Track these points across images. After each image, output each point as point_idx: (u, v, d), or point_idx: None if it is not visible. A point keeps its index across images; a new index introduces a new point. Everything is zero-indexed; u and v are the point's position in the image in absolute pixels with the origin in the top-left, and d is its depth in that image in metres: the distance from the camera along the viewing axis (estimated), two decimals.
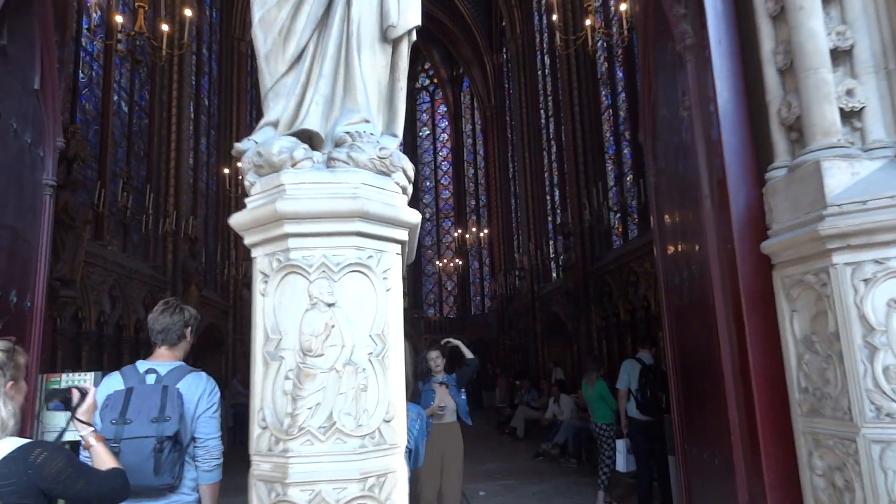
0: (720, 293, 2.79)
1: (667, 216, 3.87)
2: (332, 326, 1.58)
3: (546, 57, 20.28)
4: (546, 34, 20.15)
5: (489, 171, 27.99)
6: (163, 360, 2.27)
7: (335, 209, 1.64)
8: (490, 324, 25.51)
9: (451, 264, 26.46)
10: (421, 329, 27.95)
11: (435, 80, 34.08)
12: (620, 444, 6.37)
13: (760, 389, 2.44)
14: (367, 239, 1.67)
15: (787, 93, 2.42)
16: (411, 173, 1.80)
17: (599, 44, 15.44)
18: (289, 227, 1.64)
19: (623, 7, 7.51)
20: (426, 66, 34.24)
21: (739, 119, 2.66)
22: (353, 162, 1.66)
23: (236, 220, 1.73)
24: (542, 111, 20.78)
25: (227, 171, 11.94)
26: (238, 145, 1.76)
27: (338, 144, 1.70)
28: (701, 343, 3.25)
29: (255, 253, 1.72)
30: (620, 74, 14.18)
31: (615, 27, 7.95)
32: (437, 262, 27.84)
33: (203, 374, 2.28)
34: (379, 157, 1.67)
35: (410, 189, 1.82)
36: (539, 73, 21.03)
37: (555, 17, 7.52)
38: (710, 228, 2.85)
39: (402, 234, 1.75)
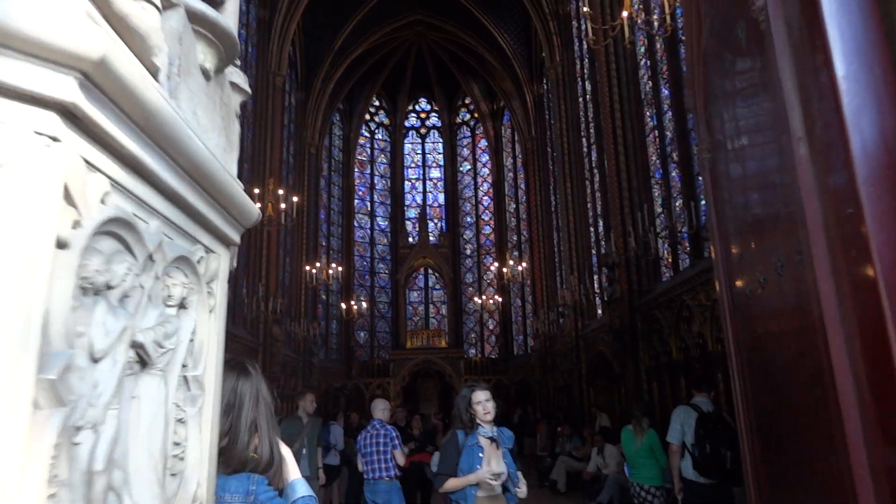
0: (832, 295, 1.63)
1: (728, 202, 2.72)
2: None
3: (587, 83, 19.36)
4: (587, 59, 19.26)
5: (531, 205, 26.96)
6: None
7: None
8: (533, 364, 24.09)
9: (492, 301, 25.23)
10: (461, 370, 26.64)
11: (475, 115, 33.53)
12: None
13: None
14: None
15: None
16: None
17: (643, 63, 14.42)
18: None
19: None
20: (466, 101, 33.75)
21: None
22: None
23: None
24: (583, 139, 19.78)
25: (257, 190, 11.26)
26: None
27: None
28: (793, 380, 2.07)
29: None
30: (666, 92, 13.05)
31: (656, 18, 6.91)
32: (478, 300, 26.64)
33: None
34: None
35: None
36: (580, 100, 20.13)
37: (586, 9, 6.51)
38: (809, 188, 1.70)
39: (49, 82, 0.63)
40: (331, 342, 29.04)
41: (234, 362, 1.36)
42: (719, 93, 2.68)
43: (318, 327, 25.73)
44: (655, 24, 6.55)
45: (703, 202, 11.36)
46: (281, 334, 19.28)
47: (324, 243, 28.82)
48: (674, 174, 12.66)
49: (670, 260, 12.84)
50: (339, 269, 25.55)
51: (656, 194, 13.62)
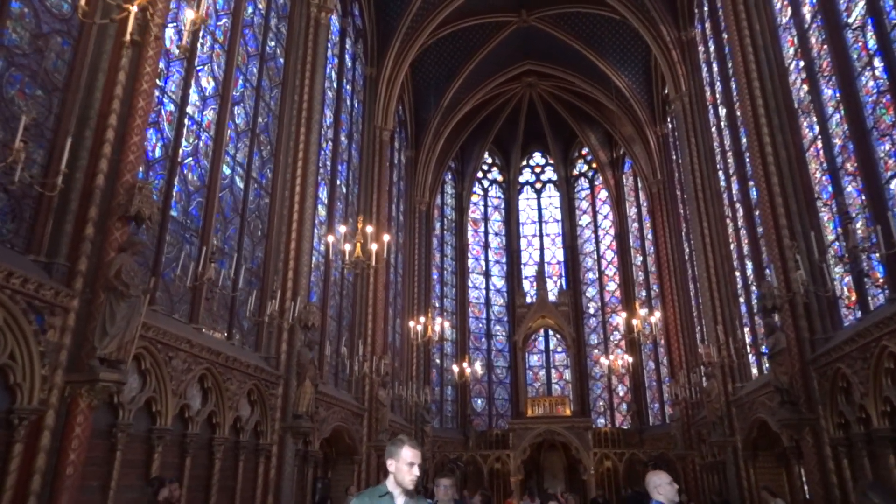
0: None
1: None
2: None
3: (721, 108, 17.00)
4: (718, 83, 16.98)
5: (660, 256, 24.21)
6: None
7: None
8: (673, 436, 20.78)
9: (621, 362, 22.41)
10: (589, 442, 23.64)
11: (593, 165, 31.59)
12: None
13: None
14: None
15: None
16: None
17: (794, 66, 12.04)
18: None
19: None
20: (583, 151, 31.93)
21: None
22: None
23: None
24: (720, 172, 17.25)
25: (343, 229, 10.06)
26: None
27: None
28: None
29: None
30: (831, 91, 10.57)
31: None
32: (604, 361, 23.87)
33: None
34: None
35: None
36: (713, 129, 17.73)
37: None
38: None
39: None
40: (445, 410, 27.19)
41: None
42: None
43: (432, 393, 24.08)
44: None
45: None
46: (387, 398, 17.78)
47: (437, 304, 27.53)
48: (850, 188, 10.01)
49: (854, 297, 9.99)
50: (446, 324, 23.93)
51: (826, 218, 10.92)
